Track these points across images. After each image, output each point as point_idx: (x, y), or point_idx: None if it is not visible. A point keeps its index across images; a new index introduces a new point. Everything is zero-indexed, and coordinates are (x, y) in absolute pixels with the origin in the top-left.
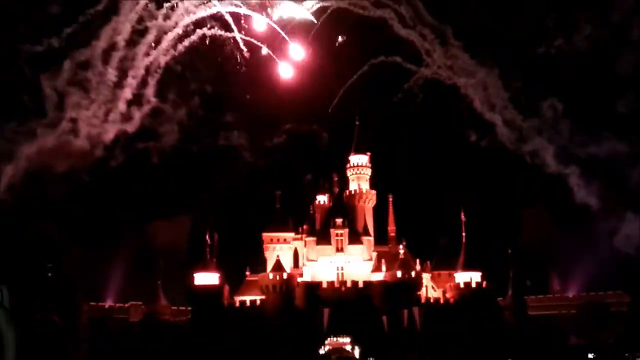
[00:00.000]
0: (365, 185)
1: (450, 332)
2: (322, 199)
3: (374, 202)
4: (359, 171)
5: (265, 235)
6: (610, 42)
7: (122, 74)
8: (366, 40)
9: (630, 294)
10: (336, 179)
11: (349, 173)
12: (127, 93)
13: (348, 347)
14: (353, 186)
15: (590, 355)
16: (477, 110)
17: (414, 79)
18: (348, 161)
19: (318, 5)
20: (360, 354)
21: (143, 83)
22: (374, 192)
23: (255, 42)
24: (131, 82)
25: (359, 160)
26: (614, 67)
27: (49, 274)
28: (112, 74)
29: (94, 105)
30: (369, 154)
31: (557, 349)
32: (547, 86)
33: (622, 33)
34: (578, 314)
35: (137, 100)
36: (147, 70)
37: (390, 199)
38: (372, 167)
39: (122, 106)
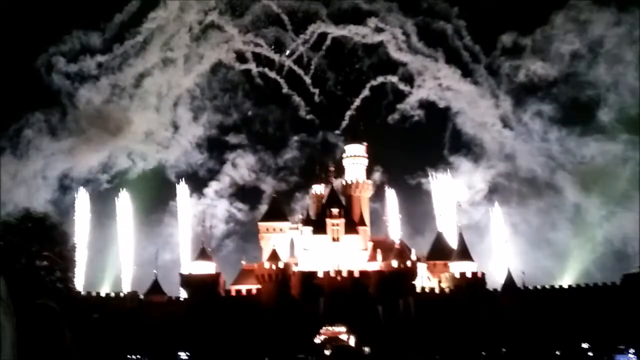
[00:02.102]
0: (361, 175)
1: (445, 321)
2: (318, 188)
3: (370, 192)
4: (355, 161)
5: (261, 224)
6: (589, 56)
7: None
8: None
9: (624, 286)
10: (332, 168)
11: (345, 163)
12: (164, 118)
13: (343, 336)
14: (349, 176)
15: (584, 345)
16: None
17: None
18: (344, 151)
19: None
20: (356, 343)
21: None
22: (370, 182)
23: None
24: (165, 108)
25: (355, 150)
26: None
27: (45, 263)
28: (145, 99)
29: (130, 125)
30: (365, 143)
31: (552, 339)
32: (533, 99)
33: (599, 47)
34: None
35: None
36: (178, 97)
37: (387, 189)
38: (368, 158)
39: (162, 131)
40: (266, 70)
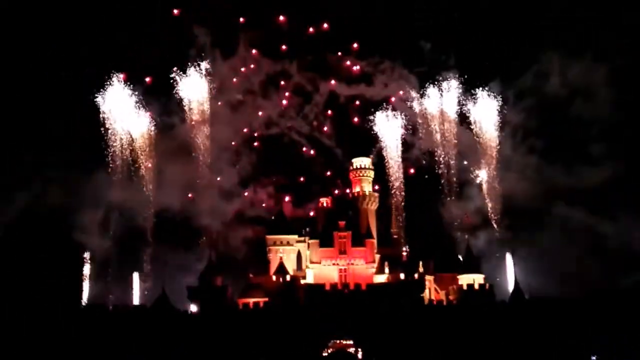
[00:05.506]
0: (368, 188)
1: (453, 334)
2: (325, 201)
3: (377, 204)
4: (362, 173)
5: (269, 237)
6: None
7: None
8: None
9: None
10: (339, 181)
11: (351, 175)
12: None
13: (351, 350)
14: (356, 188)
15: (593, 358)
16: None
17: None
18: (351, 163)
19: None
20: (364, 356)
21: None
22: (376, 194)
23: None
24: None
25: (362, 162)
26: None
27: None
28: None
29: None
30: (371, 156)
31: (561, 351)
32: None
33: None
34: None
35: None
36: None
37: (393, 201)
38: (374, 170)
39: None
40: (293, 134)
